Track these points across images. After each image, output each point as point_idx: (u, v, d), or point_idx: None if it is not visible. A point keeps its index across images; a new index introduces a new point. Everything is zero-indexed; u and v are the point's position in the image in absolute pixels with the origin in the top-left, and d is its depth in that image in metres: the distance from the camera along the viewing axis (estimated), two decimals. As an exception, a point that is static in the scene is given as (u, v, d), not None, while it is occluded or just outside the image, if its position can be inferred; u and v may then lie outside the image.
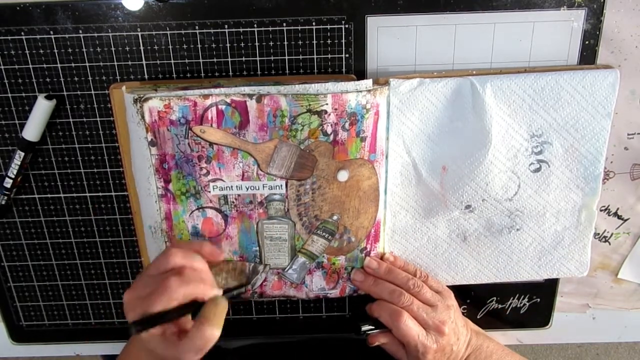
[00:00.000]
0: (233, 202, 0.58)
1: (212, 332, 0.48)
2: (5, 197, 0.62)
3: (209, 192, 0.58)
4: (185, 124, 0.54)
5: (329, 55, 0.58)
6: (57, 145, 0.61)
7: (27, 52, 0.57)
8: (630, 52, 0.58)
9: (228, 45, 0.57)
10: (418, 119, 0.58)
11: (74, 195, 0.63)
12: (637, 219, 0.66)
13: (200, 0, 0.55)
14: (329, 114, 0.54)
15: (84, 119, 0.60)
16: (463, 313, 0.67)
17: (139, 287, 0.50)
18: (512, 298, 0.69)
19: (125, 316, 0.50)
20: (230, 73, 0.58)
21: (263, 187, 0.57)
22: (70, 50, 0.57)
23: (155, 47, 0.57)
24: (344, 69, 0.58)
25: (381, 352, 0.62)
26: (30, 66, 0.58)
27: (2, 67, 0.58)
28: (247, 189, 0.58)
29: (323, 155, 0.56)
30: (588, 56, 0.58)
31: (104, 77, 0.58)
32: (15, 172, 0.60)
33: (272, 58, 0.58)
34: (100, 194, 0.63)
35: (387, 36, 0.57)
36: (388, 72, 0.58)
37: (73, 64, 0.58)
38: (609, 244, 0.67)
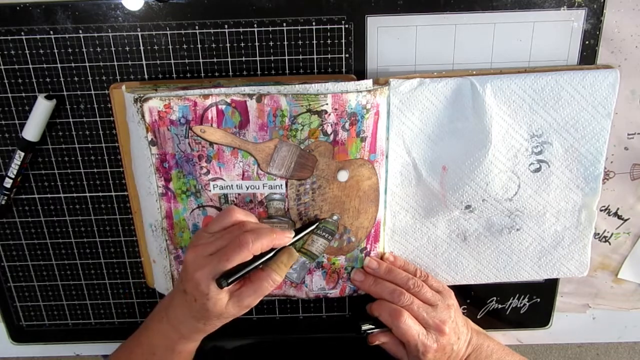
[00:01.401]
0: (233, 201, 0.58)
1: (279, 279, 0.52)
2: (5, 197, 0.62)
3: (210, 191, 0.58)
4: (186, 123, 0.54)
5: (329, 55, 0.58)
6: (57, 145, 0.61)
7: (27, 52, 0.57)
8: (630, 52, 0.58)
9: (228, 45, 0.57)
10: (418, 119, 0.58)
11: (74, 195, 0.63)
12: (637, 219, 0.66)
13: (200, 0, 0.55)
14: (329, 114, 0.54)
15: (84, 119, 0.60)
16: (463, 313, 0.67)
17: (204, 245, 0.51)
18: (512, 298, 0.69)
19: (188, 275, 0.51)
20: (230, 73, 0.58)
21: (263, 186, 0.57)
22: (70, 50, 0.57)
23: (155, 47, 0.57)
24: (344, 69, 0.58)
25: (381, 351, 0.62)
26: (30, 66, 0.58)
27: (2, 67, 0.58)
28: (247, 188, 0.58)
29: (323, 155, 0.56)
30: (588, 56, 0.58)
31: (104, 77, 0.58)
32: (15, 172, 0.60)
33: (272, 58, 0.58)
34: (100, 194, 0.63)
35: (387, 36, 0.57)
36: (388, 72, 0.58)
37: (73, 64, 0.58)
38: (609, 244, 0.67)
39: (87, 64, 0.58)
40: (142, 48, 0.57)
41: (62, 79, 0.58)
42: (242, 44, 0.57)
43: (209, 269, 0.49)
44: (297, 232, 0.56)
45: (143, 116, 0.54)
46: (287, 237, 0.53)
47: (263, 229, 0.51)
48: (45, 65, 0.58)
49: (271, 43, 0.57)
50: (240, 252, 0.49)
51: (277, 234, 0.52)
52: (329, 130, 0.55)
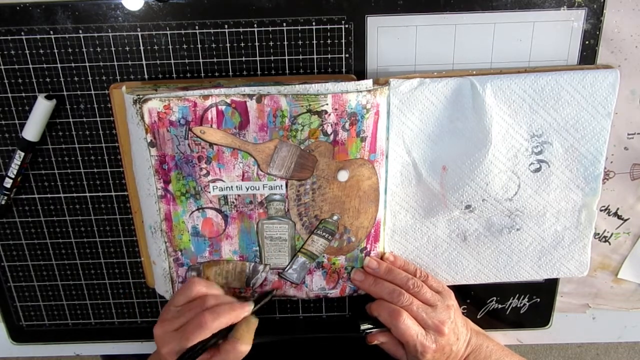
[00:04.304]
0: (233, 202, 0.58)
1: (245, 348, 0.55)
2: (5, 197, 0.62)
3: (209, 192, 0.57)
4: (185, 124, 0.54)
5: (329, 55, 0.58)
6: (57, 145, 0.61)
7: (27, 52, 0.57)
8: (630, 52, 0.58)
9: (228, 45, 0.57)
10: (418, 119, 0.58)
11: (74, 195, 0.63)
12: (637, 219, 0.66)
13: (200, 0, 0.55)
14: (329, 114, 0.54)
15: (84, 119, 0.60)
16: (463, 313, 0.67)
17: (169, 321, 0.54)
18: (512, 298, 0.69)
19: (158, 349, 0.55)
20: (230, 73, 0.58)
21: (263, 187, 0.57)
22: (70, 50, 0.57)
23: (155, 47, 0.57)
24: (344, 69, 0.58)
25: (380, 351, 0.62)
26: (30, 66, 0.58)
27: (2, 67, 0.58)
28: (247, 189, 0.58)
29: (323, 155, 0.56)
30: (588, 56, 0.58)
31: (104, 77, 0.58)
32: (15, 172, 0.60)
33: (272, 58, 0.58)
34: (100, 194, 0.63)
35: (387, 36, 0.57)
36: (388, 72, 0.58)
37: (73, 64, 0.58)
38: (609, 244, 0.67)
39: (87, 64, 0.58)
40: (142, 48, 0.57)
41: (62, 79, 0.58)
42: (242, 44, 0.57)
43: (173, 346, 0.53)
44: (256, 302, 0.58)
45: (142, 117, 0.54)
46: (245, 311, 0.55)
47: (222, 306, 0.54)
48: (45, 65, 0.58)
49: (271, 43, 0.57)
50: (199, 332, 0.52)
51: (235, 310, 0.54)
52: (329, 130, 0.55)
